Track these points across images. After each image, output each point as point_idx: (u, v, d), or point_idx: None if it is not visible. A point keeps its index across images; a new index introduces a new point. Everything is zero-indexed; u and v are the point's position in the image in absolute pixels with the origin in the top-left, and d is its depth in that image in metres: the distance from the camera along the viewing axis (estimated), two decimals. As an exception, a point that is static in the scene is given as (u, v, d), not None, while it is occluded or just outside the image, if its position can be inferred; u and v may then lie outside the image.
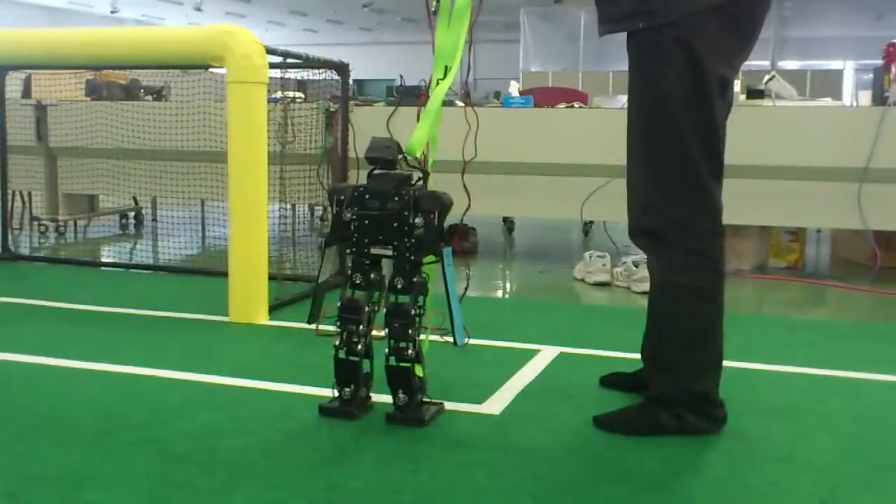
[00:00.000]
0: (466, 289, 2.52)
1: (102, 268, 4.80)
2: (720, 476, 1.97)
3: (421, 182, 2.30)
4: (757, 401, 2.51)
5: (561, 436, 2.21)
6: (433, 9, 2.35)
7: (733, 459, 2.07)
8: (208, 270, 4.49)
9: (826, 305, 4.17)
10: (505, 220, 6.87)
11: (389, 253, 2.24)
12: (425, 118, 2.29)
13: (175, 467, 1.96)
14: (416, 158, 2.28)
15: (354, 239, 2.25)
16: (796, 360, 2.96)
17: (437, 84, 2.32)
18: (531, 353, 2.98)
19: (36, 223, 5.93)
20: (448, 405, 2.38)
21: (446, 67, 2.32)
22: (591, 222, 6.82)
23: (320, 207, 6.36)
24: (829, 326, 3.60)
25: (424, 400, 2.30)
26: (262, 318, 3.43)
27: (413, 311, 2.22)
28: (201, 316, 3.49)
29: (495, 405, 2.44)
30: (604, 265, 4.46)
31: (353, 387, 2.30)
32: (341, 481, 1.90)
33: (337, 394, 2.31)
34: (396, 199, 2.20)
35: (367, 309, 2.28)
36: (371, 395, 2.37)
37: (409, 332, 2.22)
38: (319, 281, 2.33)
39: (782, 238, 5.06)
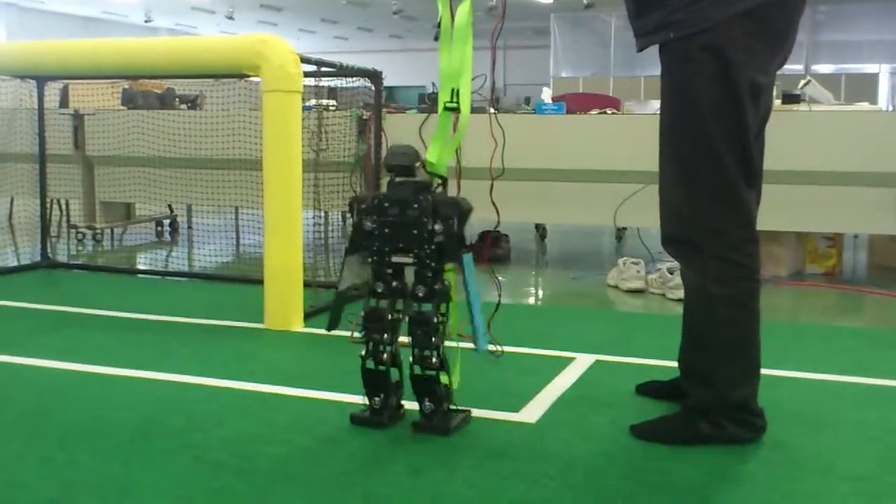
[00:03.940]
0: (500, 298, 2.50)
1: (139, 275, 4.86)
2: (760, 486, 1.95)
3: (441, 188, 2.30)
4: (797, 409, 2.48)
5: (598, 445, 2.20)
6: (434, 36, 2.32)
7: (773, 469, 2.04)
8: (243, 278, 4.52)
9: (864, 312, 4.11)
10: (537, 226, 6.86)
11: (410, 261, 2.23)
12: (449, 144, 2.26)
13: (212, 474, 1.98)
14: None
15: (376, 247, 2.26)
16: (835, 369, 2.92)
17: (444, 107, 2.24)
18: (566, 361, 2.97)
19: (73, 231, 6.01)
20: (484, 413, 2.37)
21: (453, 90, 2.25)
22: (625, 228, 6.78)
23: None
24: (868, 334, 3.55)
25: (451, 408, 2.30)
26: (298, 326, 3.45)
27: (435, 319, 2.21)
28: (237, 323, 3.51)
29: (531, 413, 2.43)
30: (638, 272, 4.42)
31: (382, 396, 2.30)
32: (376, 489, 1.90)
33: (367, 403, 2.32)
34: (415, 206, 2.20)
35: (390, 318, 2.27)
36: (403, 403, 2.37)
37: (432, 340, 2.20)
38: (340, 289, 2.33)
39: (819, 244, 5.00)
